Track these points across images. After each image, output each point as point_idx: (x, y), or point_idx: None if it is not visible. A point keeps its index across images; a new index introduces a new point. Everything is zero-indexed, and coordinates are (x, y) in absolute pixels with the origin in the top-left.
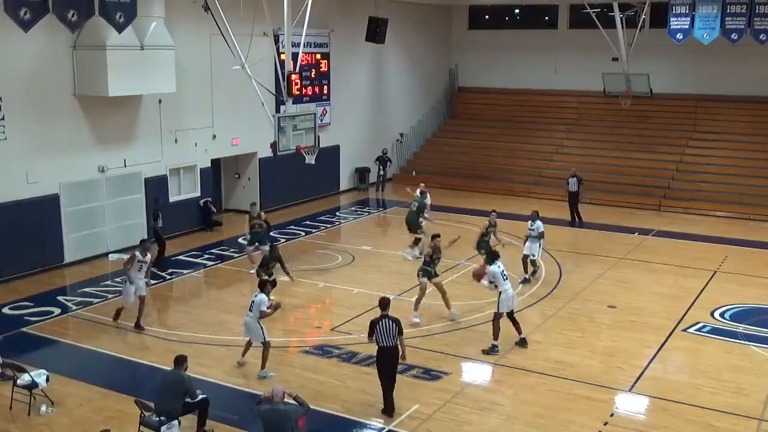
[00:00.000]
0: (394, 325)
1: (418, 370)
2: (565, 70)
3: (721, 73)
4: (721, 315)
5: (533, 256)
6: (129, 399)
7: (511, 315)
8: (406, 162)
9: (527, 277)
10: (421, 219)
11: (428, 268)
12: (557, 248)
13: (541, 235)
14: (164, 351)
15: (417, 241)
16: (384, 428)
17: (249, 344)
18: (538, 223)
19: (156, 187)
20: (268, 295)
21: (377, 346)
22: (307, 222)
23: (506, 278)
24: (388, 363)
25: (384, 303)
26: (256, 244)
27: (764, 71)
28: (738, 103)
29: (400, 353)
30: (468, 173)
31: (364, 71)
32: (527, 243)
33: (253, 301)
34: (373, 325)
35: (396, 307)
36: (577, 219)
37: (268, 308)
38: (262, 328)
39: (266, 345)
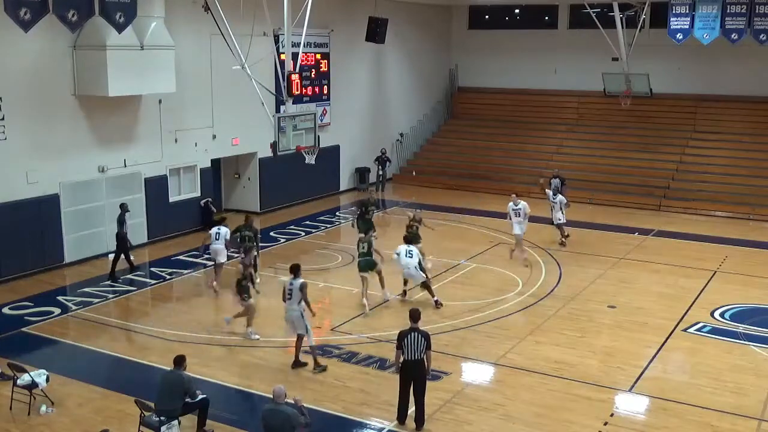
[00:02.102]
0: (422, 339)
1: None
2: (565, 70)
3: (721, 73)
4: (721, 315)
5: (560, 220)
6: (129, 399)
7: None
8: (405, 162)
9: (563, 240)
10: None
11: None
12: (557, 248)
13: (563, 205)
14: (164, 351)
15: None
16: (384, 428)
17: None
18: (560, 196)
19: (156, 187)
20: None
21: (402, 358)
22: (307, 222)
23: (290, 297)
24: (412, 376)
25: (414, 315)
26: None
27: (764, 71)
28: (738, 103)
29: (426, 367)
30: (468, 173)
31: (364, 71)
32: (553, 213)
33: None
34: (402, 337)
35: (397, 307)
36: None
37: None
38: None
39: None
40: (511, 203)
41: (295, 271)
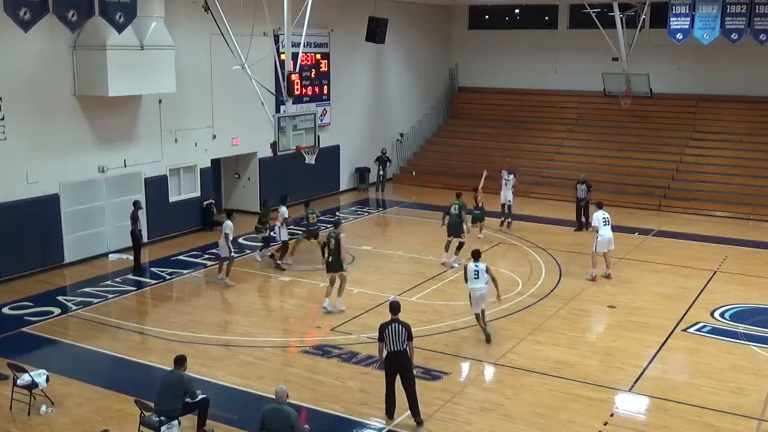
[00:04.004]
0: (403, 329)
1: (418, 370)
2: (565, 70)
3: (721, 73)
4: (721, 315)
5: (509, 201)
6: (129, 399)
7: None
8: (405, 162)
9: (509, 222)
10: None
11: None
12: (557, 248)
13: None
14: (164, 351)
15: (461, 247)
16: (384, 428)
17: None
18: (513, 176)
19: (156, 187)
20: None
21: (385, 351)
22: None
23: (477, 277)
24: (396, 368)
25: (394, 307)
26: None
27: (764, 71)
28: (738, 103)
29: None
30: (468, 173)
31: (364, 71)
32: (504, 192)
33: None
34: (383, 329)
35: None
36: (585, 225)
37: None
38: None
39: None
40: (599, 212)
41: (477, 256)
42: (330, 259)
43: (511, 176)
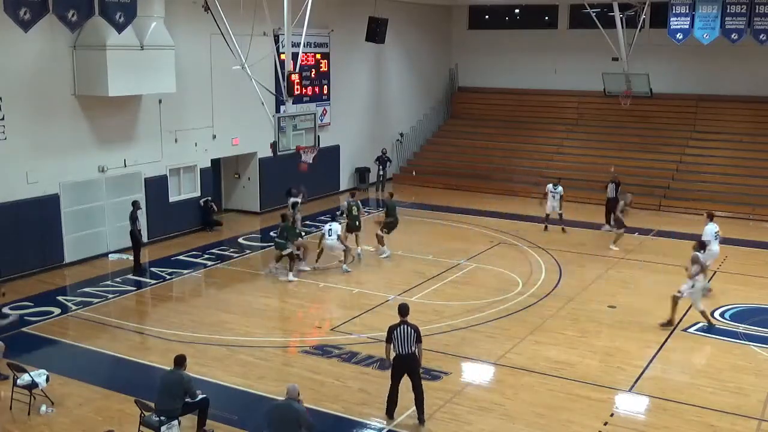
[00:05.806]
0: (412, 331)
1: None
2: (565, 70)
3: (721, 73)
4: (721, 315)
5: (554, 208)
6: (129, 399)
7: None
8: (406, 162)
9: (563, 228)
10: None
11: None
12: (558, 248)
13: (561, 197)
14: (164, 351)
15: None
16: (384, 428)
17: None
18: (560, 187)
19: (156, 187)
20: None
21: (394, 353)
22: (307, 222)
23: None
24: (404, 371)
25: (403, 309)
26: None
27: (764, 71)
28: (738, 103)
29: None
30: (468, 173)
31: (364, 71)
32: (550, 203)
33: (331, 228)
34: (391, 331)
35: (395, 306)
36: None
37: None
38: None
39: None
40: (711, 225)
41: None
42: (357, 223)
43: (559, 188)
